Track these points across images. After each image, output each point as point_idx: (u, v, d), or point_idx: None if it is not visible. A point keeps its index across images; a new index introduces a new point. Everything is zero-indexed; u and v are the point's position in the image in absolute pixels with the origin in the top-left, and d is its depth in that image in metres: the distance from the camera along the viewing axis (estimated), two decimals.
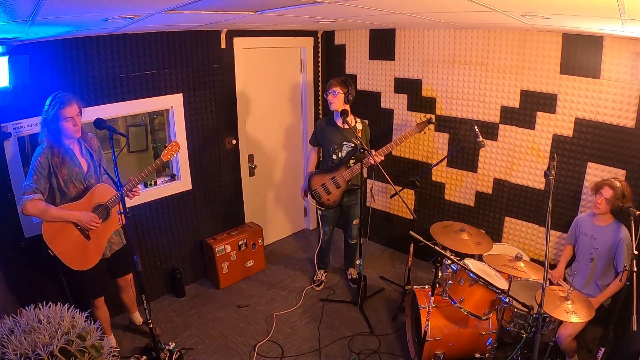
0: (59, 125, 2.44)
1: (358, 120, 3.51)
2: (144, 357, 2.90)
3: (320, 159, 3.72)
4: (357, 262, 3.73)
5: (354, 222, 3.73)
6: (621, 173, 2.97)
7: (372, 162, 3.21)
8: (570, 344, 2.60)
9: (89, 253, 2.62)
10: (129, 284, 3.05)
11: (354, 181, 3.51)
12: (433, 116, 3.69)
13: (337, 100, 3.38)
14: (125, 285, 3.06)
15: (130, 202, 3.00)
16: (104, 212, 2.60)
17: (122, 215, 2.38)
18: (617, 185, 2.63)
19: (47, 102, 2.44)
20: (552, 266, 3.18)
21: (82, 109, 2.55)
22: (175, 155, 2.85)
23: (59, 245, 2.52)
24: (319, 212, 3.72)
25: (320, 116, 4.75)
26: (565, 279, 2.97)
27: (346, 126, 3.38)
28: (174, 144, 2.85)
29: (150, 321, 2.60)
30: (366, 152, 3.18)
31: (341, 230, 4.02)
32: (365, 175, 3.86)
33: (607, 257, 2.70)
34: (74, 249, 2.57)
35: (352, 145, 3.46)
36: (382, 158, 3.27)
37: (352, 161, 3.46)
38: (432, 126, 3.56)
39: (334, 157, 3.51)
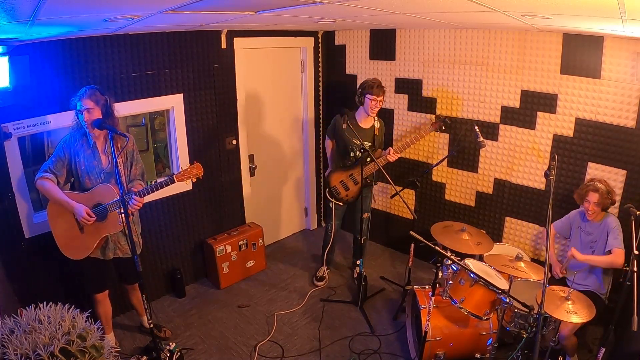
0: (77, 115, 2.53)
1: (376, 118, 3.56)
2: (145, 357, 2.90)
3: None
4: (358, 262, 3.73)
5: (364, 216, 3.71)
6: (621, 173, 2.97)
7: (390, 159, 3.36)
8: (571, 339, 2.61)
9: (79, 245, 2.66)
10: (136, 288, 3.05)
11: (369, 177, 3.59)
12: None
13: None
14: (132, 289, 3.08)
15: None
16: (102, 212, 2.59)
17: (123, 215, 2.38)
18: (599, 186, 2.68)
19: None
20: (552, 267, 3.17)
21: (105, 105, 2.52)
22: (192, 180, 2.59)
23: (56, 227, 2.64)
24: (333, 206, 3.72)
25: (321, 117, 4.75)
26: (567, 279, 2.96)
27: (367, 126, 3.51)
28: (196, 166, 2.56)
29: (150, 321, 2.61)
30: (372, 157, 3.26)
31: (345, 230, 4.01)
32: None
33: (605, 247, 2.73)
34: (67, 235, 2.65)
35: (369, 144, 3.52)
36: (399, 155, 3.38)
37: (368, 159, 3.50)
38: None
39: (352, 155, 3.55)
